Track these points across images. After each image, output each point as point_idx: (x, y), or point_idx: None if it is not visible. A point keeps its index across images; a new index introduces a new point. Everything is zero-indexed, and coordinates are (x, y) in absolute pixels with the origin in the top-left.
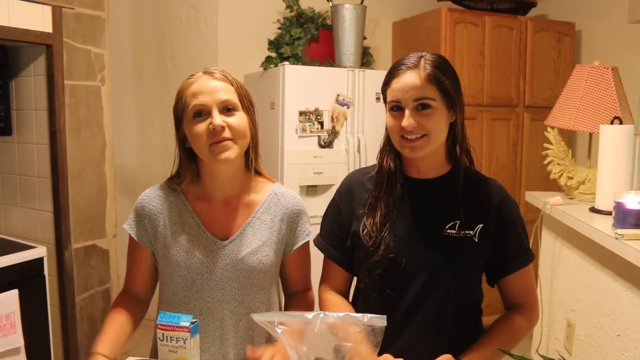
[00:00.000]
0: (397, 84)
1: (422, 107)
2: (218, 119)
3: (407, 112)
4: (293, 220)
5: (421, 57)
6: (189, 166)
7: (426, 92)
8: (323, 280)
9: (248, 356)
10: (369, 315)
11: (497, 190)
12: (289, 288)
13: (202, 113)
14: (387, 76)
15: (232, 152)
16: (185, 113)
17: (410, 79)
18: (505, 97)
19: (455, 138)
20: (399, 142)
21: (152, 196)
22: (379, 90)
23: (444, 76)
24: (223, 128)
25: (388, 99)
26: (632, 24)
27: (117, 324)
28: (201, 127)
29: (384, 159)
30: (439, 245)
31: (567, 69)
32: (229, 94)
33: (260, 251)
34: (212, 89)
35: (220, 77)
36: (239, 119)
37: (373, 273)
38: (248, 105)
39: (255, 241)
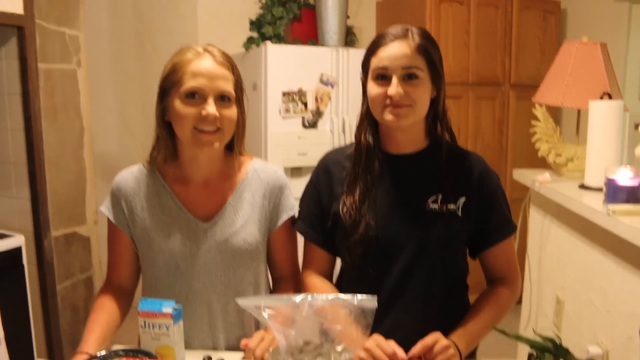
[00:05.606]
0: (385, 52)
1: (409, 76)
2: (213, 108)
3: (394, 80)
4: (275, 195)
5: (407, 29)
6: (166, 143)
7: (415, 62)
8: (305, 264)
9: (242, 346)
10: (359, 296)
11: (477, 162)
12: (276, 270)
13: (196, 96)
14: (372, 45)
15: (218, 143)
16: (177, 89)
17: (399, 47)
18: (490, 76)
19: (437, 114)
20: (381, 111)
21: (128, 177)
22: None
23: (432, 49)
24: (216, 118)
25: (373, 67)
26: (617, 2)
27: (102, 319)
28: (191, 109)
29: (361, 135)
30: (423, 220)
31: (552, 47)
32: (228, 85)
33: (244, 230)
34: (213, 75)
35: (222, 62)
36: (232, 111)
37: (354, 252)
38: (241, 96)
39: (238, 220)
